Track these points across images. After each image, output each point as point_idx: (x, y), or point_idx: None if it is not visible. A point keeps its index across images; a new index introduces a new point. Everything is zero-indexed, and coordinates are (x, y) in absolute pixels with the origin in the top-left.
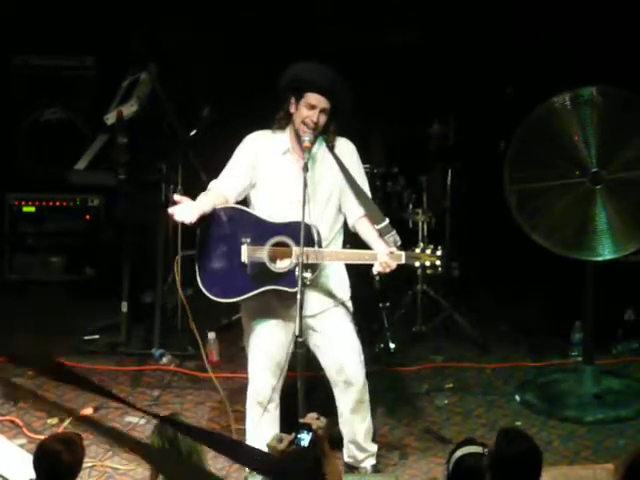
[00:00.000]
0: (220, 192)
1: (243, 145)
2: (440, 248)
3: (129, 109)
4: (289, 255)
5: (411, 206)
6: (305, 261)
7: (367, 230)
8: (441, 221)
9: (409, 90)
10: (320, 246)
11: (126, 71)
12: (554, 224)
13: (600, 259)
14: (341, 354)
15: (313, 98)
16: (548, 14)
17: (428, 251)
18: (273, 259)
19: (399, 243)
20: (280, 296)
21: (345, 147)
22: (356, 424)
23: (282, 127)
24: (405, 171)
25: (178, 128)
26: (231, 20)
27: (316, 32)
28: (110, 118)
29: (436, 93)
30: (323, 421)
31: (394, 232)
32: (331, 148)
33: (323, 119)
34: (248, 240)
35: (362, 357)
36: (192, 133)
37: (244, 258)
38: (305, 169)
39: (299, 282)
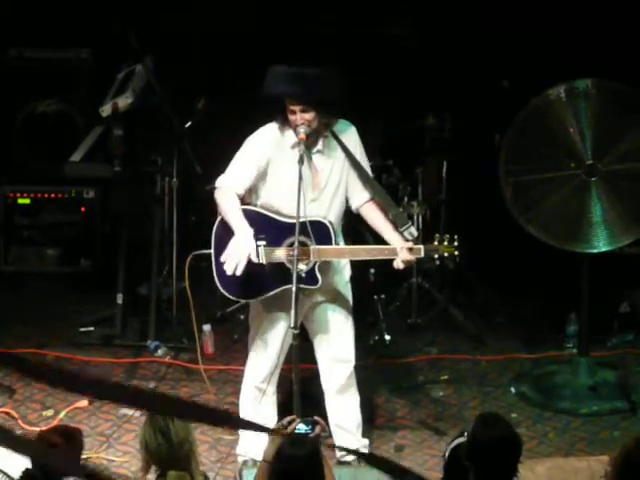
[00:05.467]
0: (238, 195)
1: (258, 140)
2: (456, 238)
3: (124, 101)
4: (307, 254)
5: (406, 199)
6: (325, 259)
7: (376, 216)
8: (437, 214)
9: (405, 82)
10: (336, 242)
11: (122, 63)
12: (549, 216)
13: (595, 251)
14: (335, 332)
15: (290, 105)
16: (544, 6)
17: (445, 242)
18: (291, 258)
19: (416, 235)
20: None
21: (346, 130)
22: (343, 408)
23: (284, 124)
24: (400, 163)
25: (174, 120)
26: (229, 16)
27: (311, 25)
28: (105, 110)
29: (432, 85)
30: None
31: (410, 224)
32: (332, 132)
33: (308, 116)
34: (264, 242)
35: (353, 340)
36: (187, 125)
37: (262, 259)
38: (300, 161)
39: (294, 277)
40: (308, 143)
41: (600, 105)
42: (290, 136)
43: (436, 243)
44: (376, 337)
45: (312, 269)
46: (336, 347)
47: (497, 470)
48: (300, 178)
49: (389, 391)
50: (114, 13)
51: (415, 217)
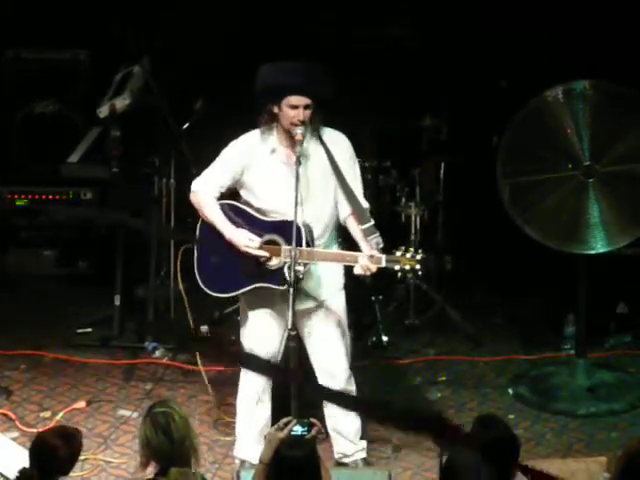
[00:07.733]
0: (213, 198)
1: (231, 149)
2: (420, 252)
3: (122, 102)
4: (279, 253)
5: (404, 200)
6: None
7: (354, 228)
8: (434, 215)
9: (402, 83)
10: (312, 245)
11: (119, 64)
12: (547, 218)
13: (593, 252)
14: (327, 345)
15: (293, 99)
16: (543, 7)
17: (408, 255)
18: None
19: (381, 245)
20: (275, 291)
21: (340, 143)
22: (341, 416)
23: (269, 128)
24: (398, 164)
25: (171, 121)
26: (227, 15)
27: (310, 27)
28: (103, 111)
29: (429, 86)
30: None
31: (377, 234)
32: (320, 138)
33: (309, 113)
34: None
35: (349, 350)
36: (185, 126)
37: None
38: (298, 162)
39: (291, 277)
40: (302, 142)
41: (598, 106)
42: (271, 141)
43: (399, 254)
44: (374, 338)
45: (280, 269)
46: (329, 361)
47: (495, 471)
48: (297, 179)
49: (387, 392)
50: (114, 13)
51: (412, 218)
